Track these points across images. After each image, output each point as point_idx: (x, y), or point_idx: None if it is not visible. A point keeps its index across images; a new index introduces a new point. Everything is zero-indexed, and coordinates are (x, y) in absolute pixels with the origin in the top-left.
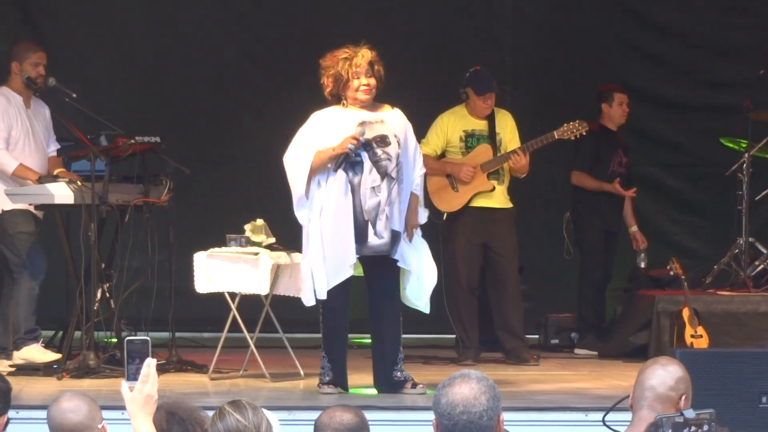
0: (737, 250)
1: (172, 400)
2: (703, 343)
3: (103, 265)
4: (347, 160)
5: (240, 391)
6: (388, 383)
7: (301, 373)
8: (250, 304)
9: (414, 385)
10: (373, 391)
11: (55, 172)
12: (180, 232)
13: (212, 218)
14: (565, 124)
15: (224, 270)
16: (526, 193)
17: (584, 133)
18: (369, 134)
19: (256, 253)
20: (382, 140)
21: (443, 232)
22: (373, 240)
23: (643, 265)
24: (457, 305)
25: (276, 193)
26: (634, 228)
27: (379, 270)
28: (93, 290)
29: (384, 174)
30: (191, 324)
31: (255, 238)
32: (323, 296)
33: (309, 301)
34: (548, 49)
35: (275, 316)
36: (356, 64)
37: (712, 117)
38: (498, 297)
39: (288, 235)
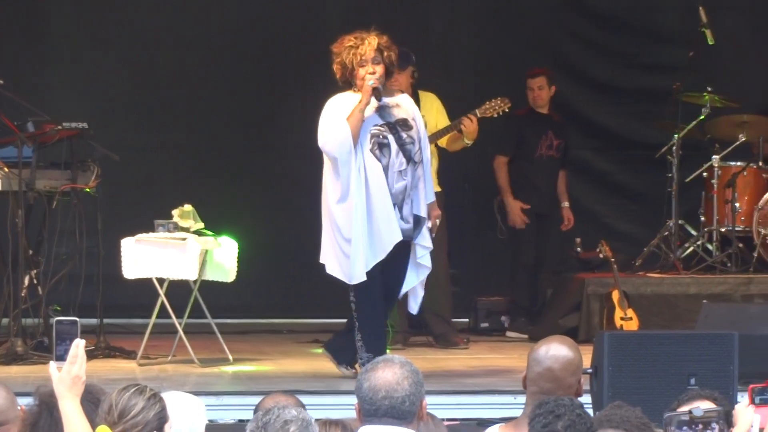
0: (667, 233)
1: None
2: (632, 325)
3: (30, 252)
4: (379, 96)
5: (168, 377)
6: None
7: (230, 358)
8: (178, 289)
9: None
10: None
11: None
12: (108, 218)
13: (140, 204)
14: (487, 102)
15: (152, 255)
16: (456, 176)
17: (507, 110)
18: (392, 118)
19: (184, 239)
20: (404, 123)
21: None
22: (400, 224)
23: (579, 249)
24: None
25: (204, 178)
26: (565, 204)
27: (392, 256)
28: (21, 277)
29: (409, 158)
30: (120, 310)
31: (183, 224)
32: (363, 278)
33: (353, 279)
34: (482, 32)
35: (204, 301)
36: (361, 53)
37: (642, 100)
38: (426, 281)
39: (216, 220)
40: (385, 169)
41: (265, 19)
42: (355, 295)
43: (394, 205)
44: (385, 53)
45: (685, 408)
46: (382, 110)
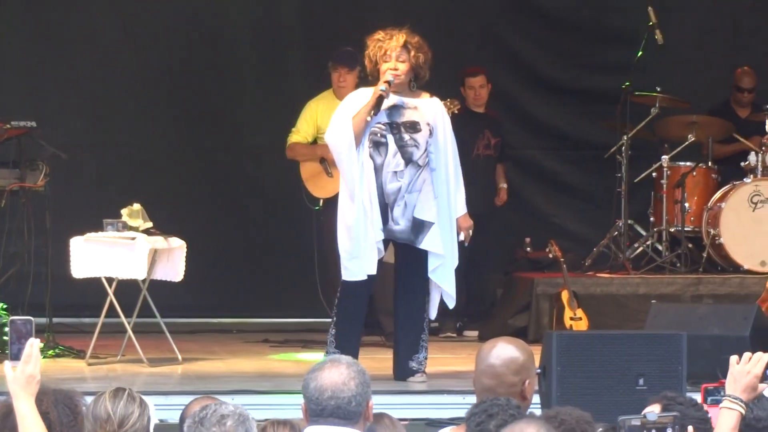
0: (616, 233)
1: (57, 387)
2: (582, 325)
3: None
4: (382, 103)
5: (117, 376)
6: (401, 371)
7: (179, 357)
8: (127, 288)
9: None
10: None
11: None
12: (57, 217)
13: (89, 203)
14: None
15: (101, 255)
16: None
17: (456, 111)
18: (400, 119)
19: (133, 238)
20: (412, 126)
21: (319, 219)
22: (390, 224)
23: (528, 249)
24: (336, 290)
25: (153, 177)
26: (503, 185)
27: (404, 259)
28: None
29: (408, 160)
30: (69, 309)
31: (132, 223)
32: (363, 276)
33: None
34: (429, 32)
35: (153, 300)
36: (386, 48)
37: (591, 99)
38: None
39: (165, 220)
40: (379, 168)
41: (216, 18)
42: (341, 290)
43: (386, 204)
44: (413, 53)
45: (654, 407)
46: (392, 110)
